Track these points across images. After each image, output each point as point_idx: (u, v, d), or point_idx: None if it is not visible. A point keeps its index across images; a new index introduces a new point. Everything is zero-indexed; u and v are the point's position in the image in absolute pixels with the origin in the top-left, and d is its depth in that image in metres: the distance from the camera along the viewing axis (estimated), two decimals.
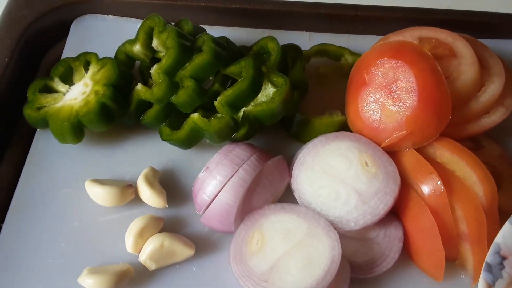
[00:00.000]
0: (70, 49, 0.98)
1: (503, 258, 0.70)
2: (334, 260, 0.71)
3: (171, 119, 0.85)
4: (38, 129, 0.89)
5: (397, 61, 0.78)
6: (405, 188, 0.78)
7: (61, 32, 1.01)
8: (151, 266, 0.76)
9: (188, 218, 0.82)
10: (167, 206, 0.81)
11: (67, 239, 0.79)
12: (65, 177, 0.85)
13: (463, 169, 0.77)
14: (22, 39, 0.94)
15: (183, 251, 0.76)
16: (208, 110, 0.83)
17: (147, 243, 0.76)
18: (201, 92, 0.81)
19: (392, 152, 0.81)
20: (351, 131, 0.84)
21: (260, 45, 0.88)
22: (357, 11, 1.00)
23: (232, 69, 0.83)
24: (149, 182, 0.81)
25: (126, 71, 0.87)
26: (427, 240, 0.75)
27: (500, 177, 0.83)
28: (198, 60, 0.80)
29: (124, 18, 1.02)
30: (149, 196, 0.80)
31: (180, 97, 0.80)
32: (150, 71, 0.85)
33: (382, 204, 0.76)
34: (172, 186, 0.84)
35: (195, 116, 0.81)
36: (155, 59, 0.88)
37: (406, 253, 0.79)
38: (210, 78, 0.85)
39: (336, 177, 0.78)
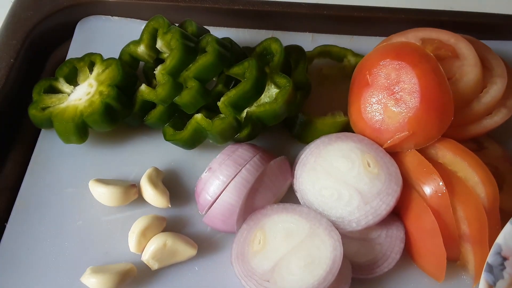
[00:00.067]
0: (75, 50, 0.98)
1: (504, 258, 0.70)
2: (335, 260, 0.72)
3: (174, 120, 0.86)
4: (42, 129, 0.90)
5: (399, 62, 0.78)
6: (407, 188, 0.78)
7: (66, 33, 1.01)
8: (154, 265, 0.76)
9: (191, 218, 0.82)
10: (170, 206, 0.81)
11: (71, 238, 0.80)
12: (69, 177, 0.85)
13: (465, 170, 0.77)
14: (27, 40, 0.95)
15: (186, 250, 0.77)
16: (212, 111, 0.84)
17: (150, 243, 0.76)
18: (204, 92, 0.81)
19: (394, 153, 0.81)
20: (353, 132, 0.84)
21: (264, 46, 0.88)
22: (360, 12, 1.00)
23: (235, 70, 0.83)
24: (153, 182, 0.82)
25: (130, 72, 0.88)
26: (428, 240, 0.75)
27: (501, 178, 0.83)
28: (202, 61, 0.80)
29: (129, 19, 1.03)
30: (152, 196, 0.81)
31: (184, 98, 0.81)
32: (154, 72, 0.85)
33: (384, 204, 0.76)
34: (175, 186, 0.85)
35: (199, 116, 0.82)
36: (159, 60, 0.89)
37: (408, 254, 0.79)
38: (214, 79, 0.85)
39: (338, 178, 0.78)
